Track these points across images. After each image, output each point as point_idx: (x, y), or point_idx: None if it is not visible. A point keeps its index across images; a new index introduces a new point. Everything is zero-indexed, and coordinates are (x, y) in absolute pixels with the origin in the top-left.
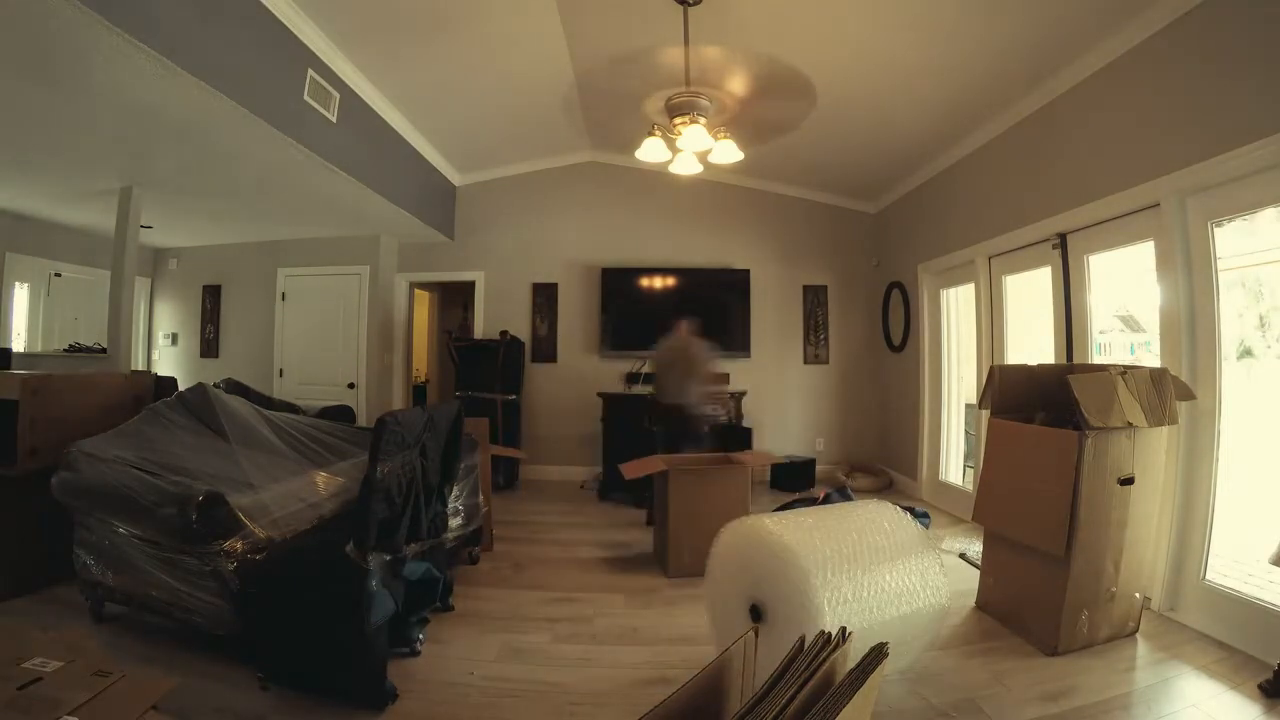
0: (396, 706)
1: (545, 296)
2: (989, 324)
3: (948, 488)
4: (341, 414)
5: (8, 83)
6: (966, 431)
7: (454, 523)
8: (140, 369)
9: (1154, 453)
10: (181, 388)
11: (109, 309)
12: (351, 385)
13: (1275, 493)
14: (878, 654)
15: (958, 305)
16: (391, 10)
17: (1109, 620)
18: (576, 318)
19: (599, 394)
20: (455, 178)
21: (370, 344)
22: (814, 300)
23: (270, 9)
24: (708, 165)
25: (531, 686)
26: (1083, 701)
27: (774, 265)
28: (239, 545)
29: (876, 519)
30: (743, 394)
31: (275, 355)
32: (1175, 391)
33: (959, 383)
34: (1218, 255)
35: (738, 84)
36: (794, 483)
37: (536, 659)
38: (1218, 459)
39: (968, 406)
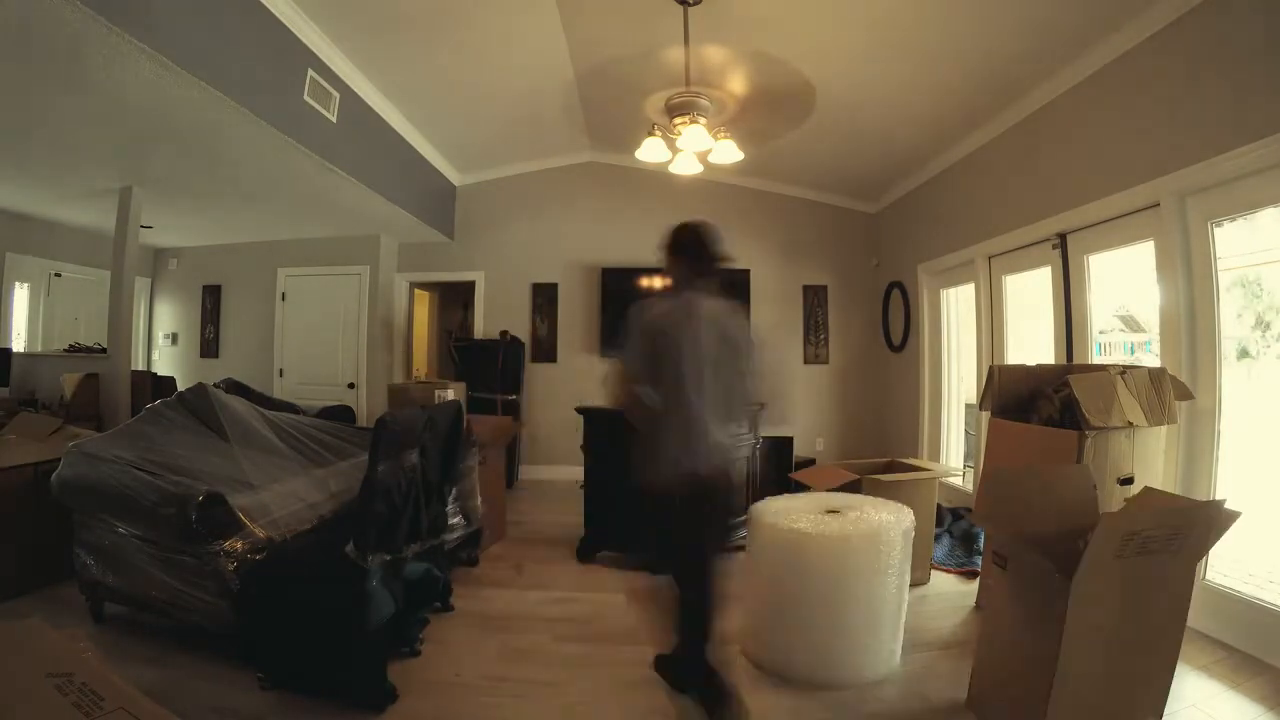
0: (396, 706)
1: (545, 296)
2: (989, 324)
3: (948, 488)
4: (341, 414)
5: (7, 82)
6: (966, 431)
7: (453, 521)
8: (140, 369)
9: (1153, 452)
10: (181, 388)
11: (109, 309)
12: (351, 385)
13: (1275, 493)
14: None
15: (958, 305)
16: (392, 10)
17: None
18: (576, 318)
19: (578, 409)
20: (455, 178)
21: (370, 344)
22: (814, 300)
23: (270, 8)
24: (708, 165)
25: (531, 687)
26: None
27: (774, 265)
28: (239, 545)
29: None
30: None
31: (275, 355)
32: (1174, 391)
33: (959, 383)
34: (1217, 255)
35: (738, 84)
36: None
37: (536, 659)
38: (1217, 459)
39: (968, 406)
